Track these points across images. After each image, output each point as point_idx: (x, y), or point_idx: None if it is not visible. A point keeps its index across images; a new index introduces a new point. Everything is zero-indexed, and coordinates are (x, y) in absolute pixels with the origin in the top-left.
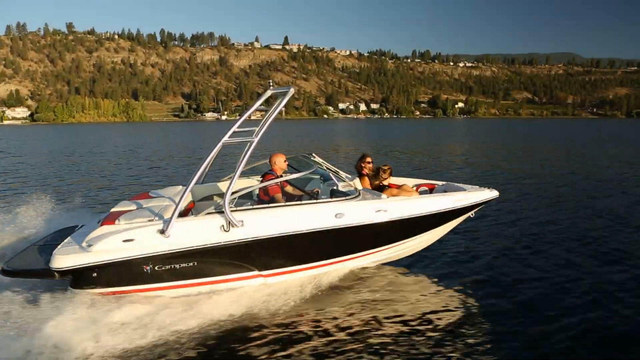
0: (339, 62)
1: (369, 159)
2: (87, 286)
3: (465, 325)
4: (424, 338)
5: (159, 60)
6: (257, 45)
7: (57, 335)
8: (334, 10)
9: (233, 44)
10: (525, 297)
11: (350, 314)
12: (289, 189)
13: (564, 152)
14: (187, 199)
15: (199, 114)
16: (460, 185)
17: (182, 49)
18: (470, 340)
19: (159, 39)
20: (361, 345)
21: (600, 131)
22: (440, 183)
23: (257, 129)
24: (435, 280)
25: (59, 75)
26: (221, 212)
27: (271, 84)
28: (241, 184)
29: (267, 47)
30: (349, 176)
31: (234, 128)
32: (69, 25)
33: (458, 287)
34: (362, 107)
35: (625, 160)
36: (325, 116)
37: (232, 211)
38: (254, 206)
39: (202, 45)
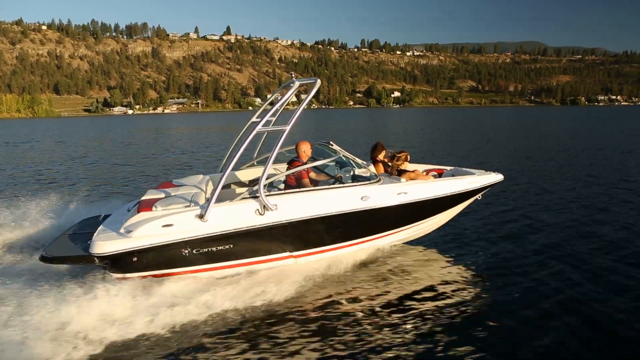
0: (279, 52)
1: (384, 148)
2: (127, 270)
3: (478, 306)
4: (441, 316)
5: (89, 52)
6: (193, 36)
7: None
8: None
9: (168, 35)
10: (526, 279)
11: (372, 290)
12: (312, 174)
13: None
14: (210, 187)
15: (108, 109)
16: (468, 169)
17: (114, 40)
18: (480, 324)
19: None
20: (380, 321)
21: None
22: (448, 168)
23: (274, 118)
24: (448, 257)
25: None
26: (255, 197)
27: (293, 75)
28: (261, 171)
29: (204, 37)
30: (365, 162)
31: (267, 117)
32: None
33: (468, 265)
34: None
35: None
36: (251, 108)
37: (266, 196)
38: (287, 191)
39: (135, 37)
